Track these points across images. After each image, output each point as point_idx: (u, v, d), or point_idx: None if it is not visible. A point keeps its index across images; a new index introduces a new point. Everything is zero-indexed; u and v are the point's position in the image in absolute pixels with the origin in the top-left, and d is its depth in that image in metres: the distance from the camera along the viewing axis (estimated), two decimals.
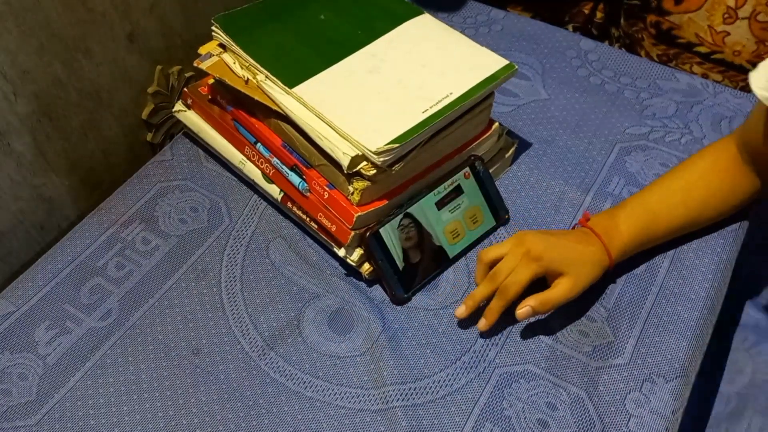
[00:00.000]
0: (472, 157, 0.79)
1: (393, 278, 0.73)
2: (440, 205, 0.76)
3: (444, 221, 0.76)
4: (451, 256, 0.77)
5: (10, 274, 0.79)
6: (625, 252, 0.73)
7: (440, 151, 0.76)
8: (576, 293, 0.69)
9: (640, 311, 0.73)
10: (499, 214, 0.80)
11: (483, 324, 0.70)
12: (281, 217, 0.82)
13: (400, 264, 0.73)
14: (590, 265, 0.70)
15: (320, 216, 0.74)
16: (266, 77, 0.73)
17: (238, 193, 0.84)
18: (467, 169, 0.78)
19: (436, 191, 0.75)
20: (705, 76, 1.02)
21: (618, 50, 1.00)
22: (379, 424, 0.66)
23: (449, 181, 0.76)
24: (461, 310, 0.71)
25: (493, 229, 0.80)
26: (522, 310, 0.69)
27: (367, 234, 0.71)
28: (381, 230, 0.72)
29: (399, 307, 0.74)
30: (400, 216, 0.73)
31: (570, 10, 1.21)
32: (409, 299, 0.75)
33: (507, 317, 0.73)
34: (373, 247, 0.72)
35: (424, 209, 0.75)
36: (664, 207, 0.74)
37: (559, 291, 0.69)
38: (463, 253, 0.78)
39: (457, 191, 0.77)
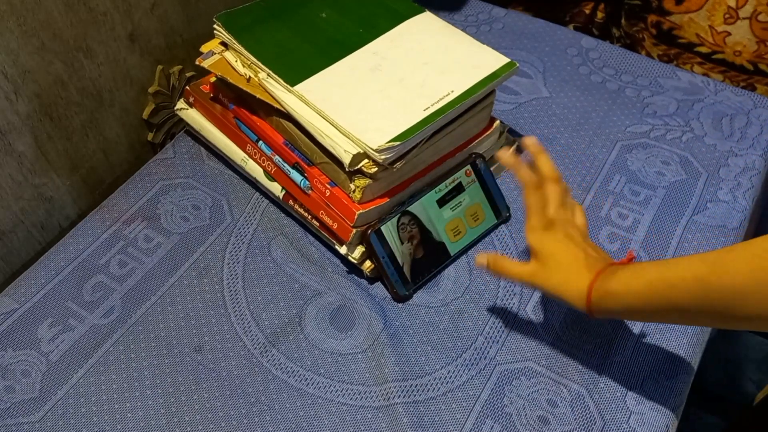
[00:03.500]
0: (474, 155, 0.79)
1: (394, 275, 0.73)
2: (441, 202, 0.76)
3: (445, 219, 0.76)
4: (452, 254, 0.77)
5: (11, 274, 0.79)
6: (608, 307, 0.60)
7: (441, 149, 0.76)
8: (530, 283, 0.64)
9: None
10: (501, 211, 0.80)
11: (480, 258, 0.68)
12: (283, 214, 0.82)
13: (401, 261, 0.74)
14: (566, 282, 0.62)
15: (322, 214, 0.74)
16: (268, 75, 0.73)
17: (240, 190, 0.84)
18: (468, 166, 0.78)
19: (437, 189, 0.76)
20: (706, 76, 1.02)
21: (619, 48, 1.00)
22: (380, 421, 0.66)
23: (450, 179, 0.76)
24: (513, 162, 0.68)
25: (495, 227, 0.80)
26: (479, 256, 0.67)
27: (369, 231, 0.72)
28: (382, 228, 0.72)
29: (400, 305, 0.74)
30: (399, 215, 0.73)
31: (571, 10, 1.21)
32: (410, 296, 0.75)
33: (507, 316, 0.73)
34: (375, 244, 0.72)
35: (425, 207, 0.75)
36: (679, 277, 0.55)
37: (517, 268, 0.65)
38: (464, 250, 0.78)
39: (459, 189, 0.77)
